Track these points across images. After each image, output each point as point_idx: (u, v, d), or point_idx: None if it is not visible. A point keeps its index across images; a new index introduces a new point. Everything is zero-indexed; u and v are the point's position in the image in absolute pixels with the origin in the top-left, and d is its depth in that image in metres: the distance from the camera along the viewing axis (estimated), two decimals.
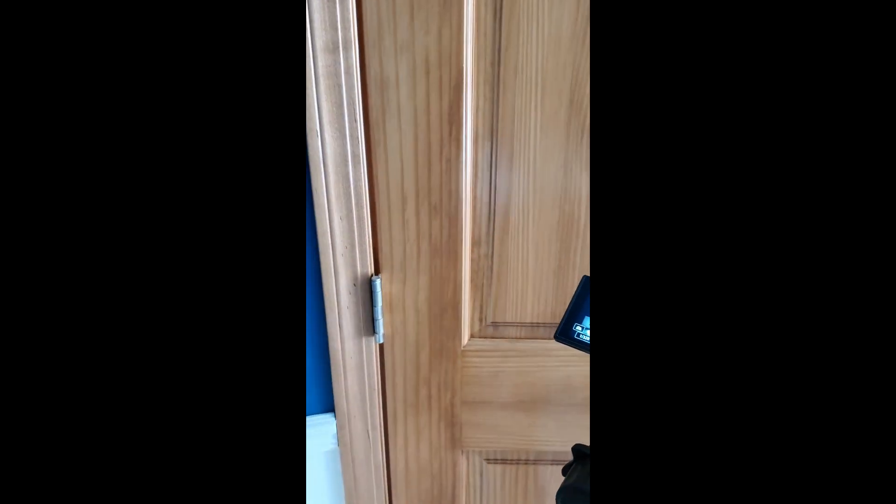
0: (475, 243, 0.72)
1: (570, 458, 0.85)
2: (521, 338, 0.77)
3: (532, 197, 0.69)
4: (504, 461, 0.86)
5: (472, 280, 0.74)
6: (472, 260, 0.73)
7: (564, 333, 0.44)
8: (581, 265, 0.72)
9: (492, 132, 0.66)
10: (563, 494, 0.39)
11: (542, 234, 0.71)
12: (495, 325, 0.77)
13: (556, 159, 0.67)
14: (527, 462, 0.86)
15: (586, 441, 0.82)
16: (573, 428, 0.81)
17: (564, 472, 0.41)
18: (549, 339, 0.77)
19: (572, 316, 0.44)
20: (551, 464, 0.86)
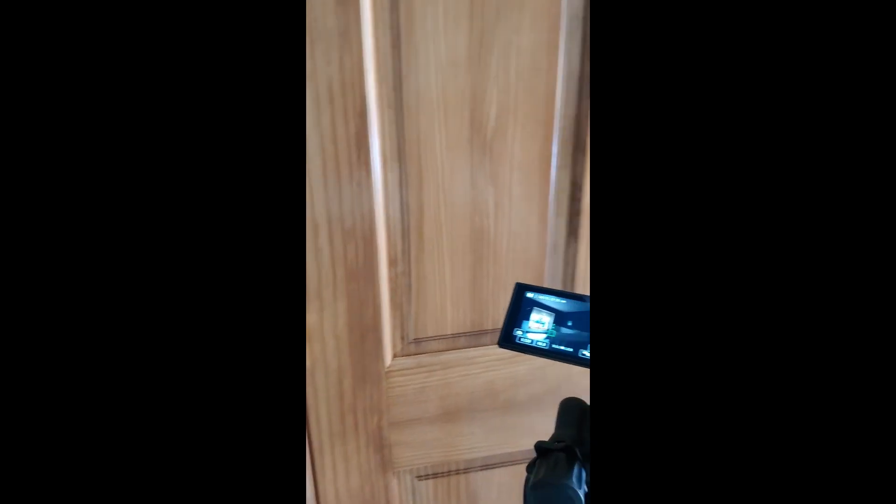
0: (391, 263, 0.73)
1: (499, 461, 0.88)
2: (443, 350, 0.79)
3: (443, 213, 0.71)
4: (435, 475, 0.87)
5: (392, 300, 0.75)
6: (390, 280, 0.74)
7: (507, 340, 0.47)
8: (494, 273, 0.76)
9: (399, 154, 0.68)
10: (534, 491, 0.41)
11: (456, 248, 0.73)
12: (417, 341, 0.78)
13: (462, 176, 0.70)
14: (457, 472, 0.88)
15: (515, 441, 0.85)
16: (499, 431, 0.84)
17: (529, 469, 0.44)
18: (470, 347, 0.79)
19: (511, 322, 0.47)
20: (481, 469, 0.88)
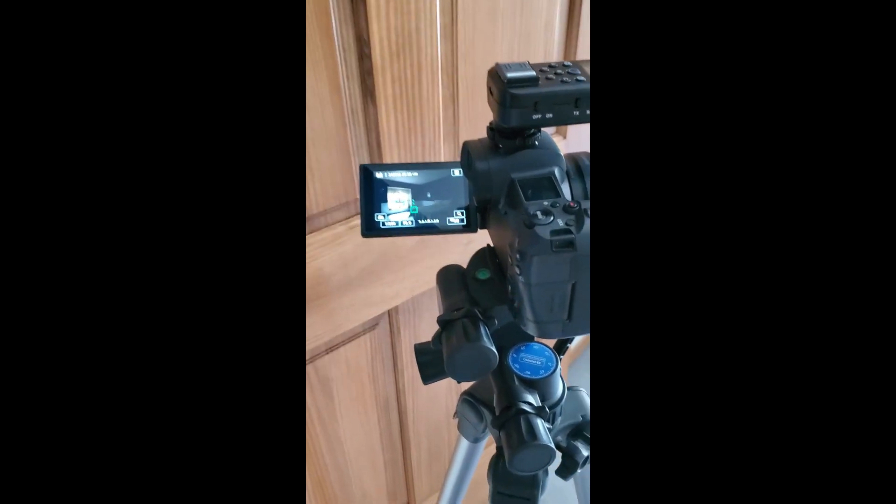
0: None
1: (343, 339, 0.88)
2: None
3: None
4: None
5: None
6: None
7: (371, 228, 0.43)
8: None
9: None
10: (452, 357, 0.40)
11: None
12: None
13: None
14: (307, 362, 0.86)
15: (356, 315, 0.85)
16: (338, 311, 0.83)
17: (436, 343, 0.43)
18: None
19: (369, 208, 0.44)
20: (327, 353, 0.88)
